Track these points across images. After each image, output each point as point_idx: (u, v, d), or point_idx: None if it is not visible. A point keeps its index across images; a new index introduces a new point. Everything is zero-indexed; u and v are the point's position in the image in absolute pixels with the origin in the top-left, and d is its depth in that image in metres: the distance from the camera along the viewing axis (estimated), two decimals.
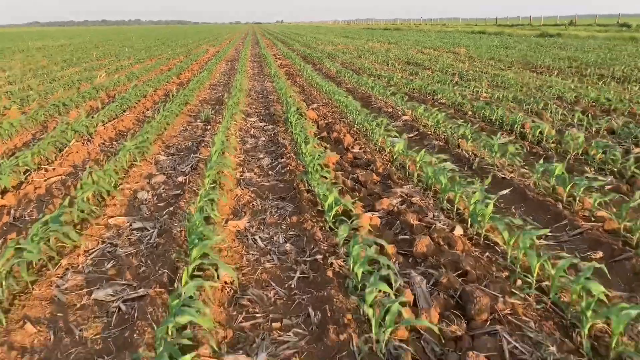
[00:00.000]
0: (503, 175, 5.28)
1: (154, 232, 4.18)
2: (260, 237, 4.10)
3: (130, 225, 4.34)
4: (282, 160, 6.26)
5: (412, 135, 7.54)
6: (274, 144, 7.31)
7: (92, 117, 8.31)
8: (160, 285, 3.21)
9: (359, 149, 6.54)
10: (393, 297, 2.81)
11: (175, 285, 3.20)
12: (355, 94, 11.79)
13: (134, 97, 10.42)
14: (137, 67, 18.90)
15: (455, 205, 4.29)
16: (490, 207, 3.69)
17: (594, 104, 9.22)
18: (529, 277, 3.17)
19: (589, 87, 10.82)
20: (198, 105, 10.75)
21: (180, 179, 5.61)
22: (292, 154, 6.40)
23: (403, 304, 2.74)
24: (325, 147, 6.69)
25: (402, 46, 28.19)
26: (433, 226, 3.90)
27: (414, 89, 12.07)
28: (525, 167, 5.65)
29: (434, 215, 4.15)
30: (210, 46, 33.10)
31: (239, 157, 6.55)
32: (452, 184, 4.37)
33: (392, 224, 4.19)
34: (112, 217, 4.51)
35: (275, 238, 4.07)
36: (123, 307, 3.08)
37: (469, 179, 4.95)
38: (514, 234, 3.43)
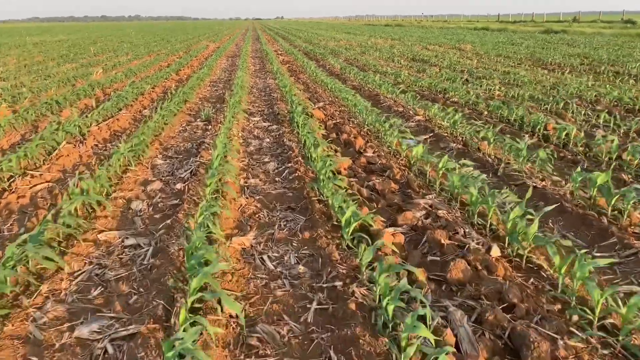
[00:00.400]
0: (534, 184, 4.80)
1: (148, 250, 3.70)
2: (268, 256, 3.62)
3: (122, 241, 3.86)
4: (290, 165, 5.78)
5: (426, 136, 7.05)
6: (279, 146, 6.82)
7: (86, 117, 7.82)
8: (154, 320, 2.73)
9: (373, 152, 6.06)
10: (433, 341, 2.34)
11: (172, 321, 2.72)
12: (362, 91, 11.30)
13: (131, 94, 9.92)
14: (135, 63, 18.38)
15: (489, 221, 3.81)
16: (536, 226, 3.21)
17: (616, 103, 8.74)
18: (586, 312, 2.70)
19: (608, 85, 10.32)
20: (198, 103, 10.26)
21: (179, 186, 5.13)
22: (300, 158, 5.92)
23: (447, 352, 2.26)
24: (336, 151, 6.20)
25: (405, 42, 27.67)
26: (466, 246, 3.42)
27: (423, 87, 11.57)
28: (556, 173, 5.17)
29: (465, 232, 3.67)
30: (211, 42, 32.56)
31: (242, 161, 6.07)
32: (484, 196, 3.88)
33: (418, 241, 3.71)
34: (102, 231, 4.03)
35: (285, 258, 3.59)
36: (110, 349, 2.60)
37: (500, 190, 4.47)
38: (565, 259, 2.95)
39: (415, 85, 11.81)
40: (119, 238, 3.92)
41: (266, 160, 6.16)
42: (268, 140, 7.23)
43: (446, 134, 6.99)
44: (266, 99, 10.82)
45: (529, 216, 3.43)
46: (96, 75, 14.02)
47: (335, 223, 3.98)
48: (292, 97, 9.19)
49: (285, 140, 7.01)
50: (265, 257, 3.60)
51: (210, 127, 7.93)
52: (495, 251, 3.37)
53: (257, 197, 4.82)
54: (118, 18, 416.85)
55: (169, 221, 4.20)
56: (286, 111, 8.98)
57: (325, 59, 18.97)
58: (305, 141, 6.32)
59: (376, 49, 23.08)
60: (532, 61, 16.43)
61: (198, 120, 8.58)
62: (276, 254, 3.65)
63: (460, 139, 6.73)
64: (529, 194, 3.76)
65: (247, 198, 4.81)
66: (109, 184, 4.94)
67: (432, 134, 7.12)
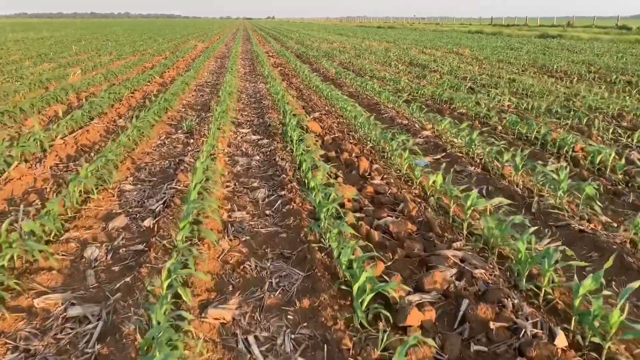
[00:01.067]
0: (580, 226, 3.96)
1: (96, 327, 2.78)
2: (256, 336, 2.73)
3: (65, 310, 2.95)
4: (283, 193, 4.89)
5: (438, 156, 6.20)
6: (270, 166, 5.93)
7: (50, 129, 6.87)
8: None
9: (380, 179, 5.17)
10: None
11: None
12: (360, 99, 10.44)
13: (106, 101, 8.97)
14: (118, 63, 17.37)
15: (543, 289, 2.95)
16: (624, 314, 2.36)
17: None
18: None
19: (628, 98, 9.54)
20: (181, 111, 9.33)
21: (147, 222, 4.21)
22: (295, 184, 5.03)
23: None
24: (336, 175, 5.32)
25: (400, 45, 26.88)
26: (522, 331, 2.56)
27: (425, 95, 10.74)
28: (602, 211, 4.32)
29: (514, 306, 2.80)
30: (199, 41, 31.54)
31: (226, 186, 5.17)
32: (533, 255, 3.02)
33: (452, 315, 2.85)
34: (42, 293, 3.12)
35: (279, 341, 2.70)
36: None
37: (542, 237, 3.61)
38: None
39: (417, 93, 10.97)
40: (62, 305, 3.00)
41: (255, 185, 5.27)
42: (258, 158, 6.33)
43: (461, 154, 6.13)
44: (256, 106, 9.92)
45: (604, 292, 2.57)
46: (73, 77, 13.02)
47: (343, 286, 3.10)
48: (284, 106, 8.32)
49: (277, 158, 6.12)
50: (251, 338, 2.71)
51: (192, 140, 7.01)
52: (562, 340, 2.50)
53: (243, 239, 3.93)
54: (107, 15, 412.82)
55: (128, 279, 3.29)
56: (278, 122, 8.10)
57: (318, 62, 18.09)
58: (300, 162, 5.45)
59: (371, 52, 22.26)
60: (536, 68, 15.68)
61: (179, 131, 7.66)
62: (266, 333, 2.76)
63: (478, 160, 5.89)
64: (609, 263, 2.87)
65: (230, 240, 3.91)
66: (62, 221, 4.02)
67: (444, 154, 6.26)
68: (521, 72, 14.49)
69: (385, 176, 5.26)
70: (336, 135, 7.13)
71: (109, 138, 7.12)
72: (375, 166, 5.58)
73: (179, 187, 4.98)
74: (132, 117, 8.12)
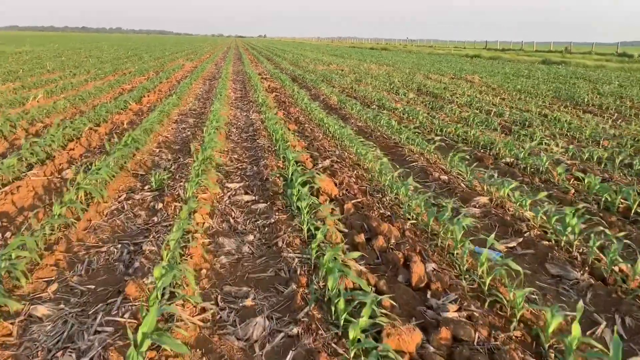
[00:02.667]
0: None
1: None
2: None
3: None
4: (295, 331, 2.96)
5: (513, 244, 4.32)
6: (271, 258, 4.02)
7: None
8: None
9: (457, 309, 3.21)
10: None
11: None
12: (374, 138, 8.61)
13: (57, 140, 7.02)
14: (93, 84, 15.45)
15: None
16: None
17: None
18: None
19: None
20: (154, 152, 7.41)
21: None
22: (314, 311, 3.11)
23: None
24: (378, 289, 3.41)
25: (401, 69, 25.27)
26: None
27: (451, 134, 8.93)
28: None
29: None
30: (188, 60, 29.72)
31: (202, 309, 3.24)
32: None
33: None
34: None
35: None
36: None
37: None
38: None
39: (441, 131, 9.17)
40: None
41: (247, 302, 3.33)
42: (251, 238, 4.41)
43: (547, 242, 4.25)
44: (249, 146, 8.03)
45: None
46: (32, 102, 11.06)
47: None
48: (285, 150, 6.46)
49: (280, 242, 4.22)
50: None
51: (161, 205, 5.08)
52: None
53: None
54: (99, 30, 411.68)
55: None
56: (278, 173, 6.22)
57: (317, 87, 16.30)
58: (317, 264, 3.56)
59: (372, 76, 20.57)
60: (561, 100, 14.00)
61: (147, 187, 5.72)
62: None
63: (577, 254, 4.02)
64: None
65: None
66: None
67: (520, 239, 4.38)
68: (549, 106, 12.78)
69: (456, 288, 3.34)
70: (359, 199, 5.24)
71: (46, 197, 5.16)
72: (430, 266, 3.68)
73: (132, 307, 3.05)
74: (86, 164, 6.17)
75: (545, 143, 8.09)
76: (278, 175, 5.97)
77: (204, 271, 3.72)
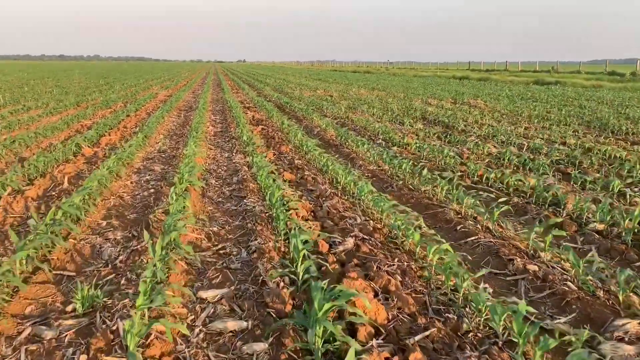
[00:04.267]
0: None
1: None
2: None
3: None
4: None
5: None
6: None
7: None
8: None
9: None
10: None
11: None
12: (395, 188, 6.56)
13: None
14: (47, 120, 13.20)
15: None
16: None
17: None
18: None
19: None
20: (99, 228, 5.21)
21: None
22: None
23: None
24: None
25: (394, 94, 23.45)
26: None
27: (491, 180, 6.93)
28: None
29: None
30: (162, 88, 27.55)
31: None
32: None
33: None
34: None
35: None
36: None
37: None
38: None
39: (477, 176, 7.16)
40: None
41: None
42: None
43: None
44: (234, 210, 5.89)
45: None
46: None
47: None
48: (286, 224, 4.38)
49: None
50: None
51: (92, 342, 2.90)
52: None
53: None
54: (77, 57, 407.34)
55: None
56: (279, 264, 4.10)
57: (308, 118, 14.28)
58: None
59: (365, 103, 18.66)
60: (591, 128, 12.17)
61: (69, 309, 3.51)
62: None
63: None
64: None
65: None
66: None
67: None
68: (584, 136, 10.92)
69: None
70: (426, 332, 3.10)
71: None
72: None
73: None
74: None
75: (629, 195, 6.10)
76: (281, 278, 3.84)
77: None
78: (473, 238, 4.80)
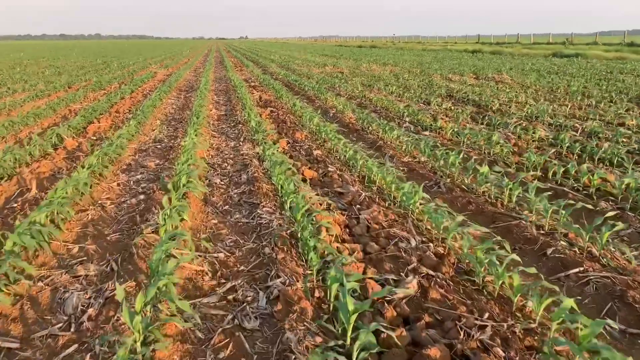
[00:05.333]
0: None
1: None
2: None
3: None
4: None
5: None
6: None
7: None
8: None
9: None
10: None
11: None
12: (443, 187, 5.24)
13: None
14: (31, 105, 11.85)
15: None
16: None
17: None
18: None
19: None
20: (68, 257, 3.92)
21: None
22: None
23: None
24: None
25: (409, 69, 21.90)
26: None
27: (555, 175, 5.58)
28: None
29: None
30: (162, 67, 26.03)
31: None
32: None
33: None
34: None
35: None
36: None
37: None
38: None
39: (542, 170, 5.82)
40: None
41: None
42: None
43: None
44: (245, 224, 4.57)
45: None
46: None
47: None
48: (316, 244, 3.08)
49: None
50: None
51: None
52: None
53: None
54: (77, 37, 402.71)
55: None
56: (310, 310, 2.82)
57: (321, 97, 12.86)
58: None
59: (379, 79, 17.20)
60: (638, 104, 10.75)
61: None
62: None
63: None
64: None
65: None
66: None
67: None
68: (633, 113, 9.50)
69: None
70: None
71: None
72: None
73: None
74: None
75: None
76: (314, 324, 2.55)
77: None
78: (576, 270, 3.48)
